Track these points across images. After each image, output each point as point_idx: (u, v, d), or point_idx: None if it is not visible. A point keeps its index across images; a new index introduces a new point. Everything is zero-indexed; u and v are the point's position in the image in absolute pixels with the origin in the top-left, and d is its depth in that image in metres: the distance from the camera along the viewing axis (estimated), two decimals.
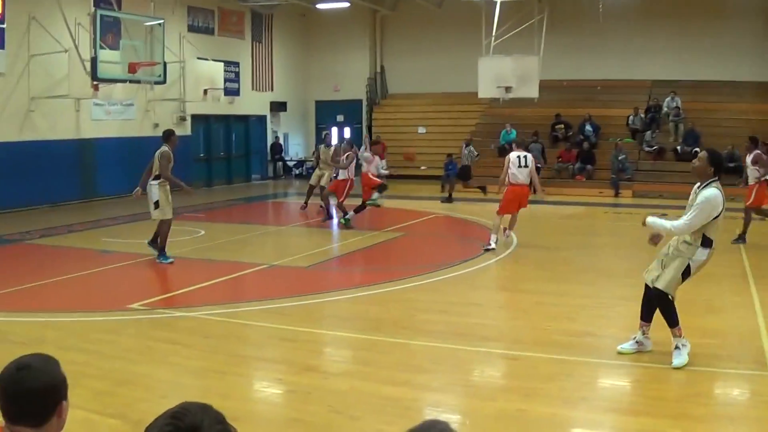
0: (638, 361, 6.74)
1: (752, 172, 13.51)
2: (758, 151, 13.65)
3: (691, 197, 6.59)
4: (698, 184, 6.59)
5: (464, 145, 22.38)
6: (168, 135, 11.51)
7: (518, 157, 12.84)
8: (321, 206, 17.17)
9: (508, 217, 13.23)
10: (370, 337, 7.58)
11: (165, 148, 11.31)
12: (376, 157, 15.96)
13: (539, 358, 6.86)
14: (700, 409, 5.61)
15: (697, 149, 22.72)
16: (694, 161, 6.74)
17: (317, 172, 18.16)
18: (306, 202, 18.37)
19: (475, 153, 22.37)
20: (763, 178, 13.39)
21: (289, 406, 5.89)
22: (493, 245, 12.57)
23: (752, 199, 13.46)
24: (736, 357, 6.85)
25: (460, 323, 8.12)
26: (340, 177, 15.80)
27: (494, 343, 7.42)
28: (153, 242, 11.53)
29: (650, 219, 6.68)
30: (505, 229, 13.36)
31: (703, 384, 6.20)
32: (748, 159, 13.63)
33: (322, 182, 17.51)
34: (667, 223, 6.56)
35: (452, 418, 5.56)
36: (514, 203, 13.00)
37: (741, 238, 13.31)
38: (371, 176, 15.58)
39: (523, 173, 12.84)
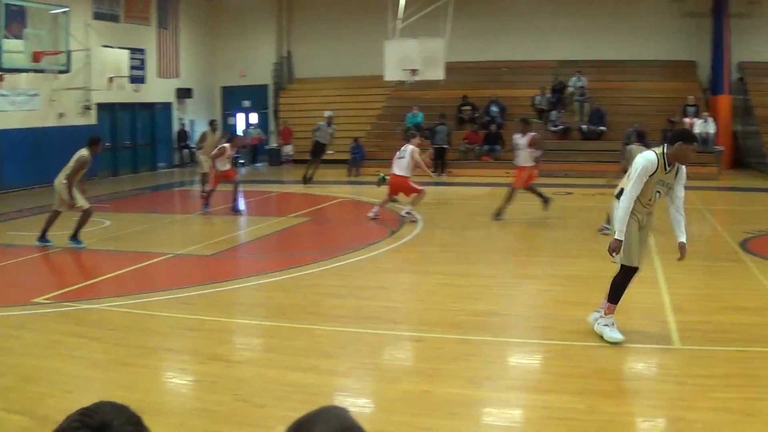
0: (544, 338, 6.82)
1: (527, 154, 13.92)
2: (534, 133, 14.14)
3: None
4: None
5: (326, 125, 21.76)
6: (95, 141, 11.36)
7: (398, 150, 14.04)
8: (203, 192, 16.75)
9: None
10: (276, 323, 7.46)
11: (85, 152, 11.19)
12: (229, 151, 15.43)
13: (444, 339, 6.87)
14: (606, 385, 5.70)
15: (603, 128, 23.46)
16: None
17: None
18: (204, 190, 17.93)
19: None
20: (540, 160, 14.08)
21: (194, 395, 5.78)
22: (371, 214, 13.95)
23: (524, 179, 13.96)
24: (642, 332, 7.03)
25: (366, 307, 8.05)
26: (222, 167, 15.43)
27: (399, 325, 7.38)
28: (74, 238, 11.49)
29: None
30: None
31: (609, 360, 6.31)
32: (521, 140, 14.00)
33: (206, 169, 17.09)
34: None
35: (358, 402, 5.52)
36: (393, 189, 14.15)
37: (499, 215, 13.86)
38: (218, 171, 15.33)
39: (399, 164, 13.81)
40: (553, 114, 24.50)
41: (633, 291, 8.61)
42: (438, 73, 22.36)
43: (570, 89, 25.19)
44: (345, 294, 8.69)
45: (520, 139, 13.99)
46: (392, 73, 22.62)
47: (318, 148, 21.17)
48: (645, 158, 6.42)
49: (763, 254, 10.60)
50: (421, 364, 6.36)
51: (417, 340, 6.94)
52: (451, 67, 23.11)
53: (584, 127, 23.88)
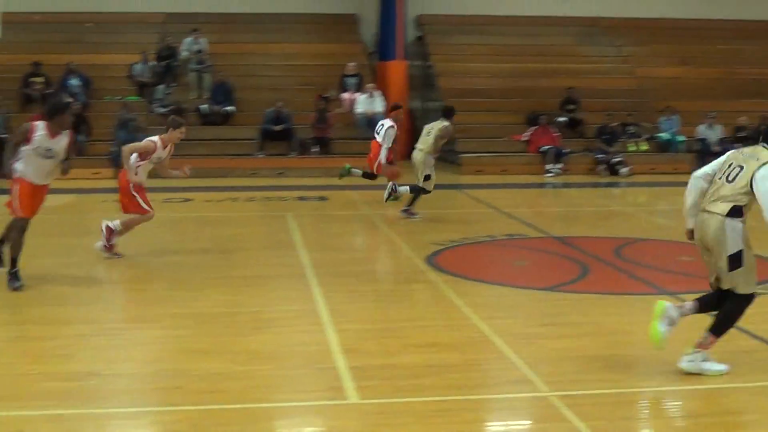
0: (170, 404, 6.61)
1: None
2: None
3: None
4: None
5: None
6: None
7: None
8: None
9: None
10: None
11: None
12: None
13: (24, 417, 6.42)
14: None
15: (231, 108, 23.78)
16: None
17: None
18: None
19: None
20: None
21: None
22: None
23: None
24: (304, 384, 7.16)
25: None
26: None
27: None
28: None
29: None
30: None
31: (265, 424, 6.39)
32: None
33: None
34: None
35: None
36: None
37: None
38: None
39: None
40: (160, 89, 24.42)
41: (287, 330, 8.78)
42: None
43: (184, 54, 25.26)
44: None
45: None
46: None
47: None
48: None
49: (457, 271, 11.33)
50: None
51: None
52: (10, 20, 22.05)
53: (204, 107, 24.09)
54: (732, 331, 8.20)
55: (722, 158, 7.46)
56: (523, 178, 22.60)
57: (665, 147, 24.90)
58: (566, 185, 22.22)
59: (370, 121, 23.10)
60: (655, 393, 7.21)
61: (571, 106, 25.56)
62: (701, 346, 7.43)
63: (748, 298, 7.43)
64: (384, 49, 25.90)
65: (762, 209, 7.04)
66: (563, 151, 23.75)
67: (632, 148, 24.35)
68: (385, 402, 6.66)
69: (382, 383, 7.06)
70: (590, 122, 24.97)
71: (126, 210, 12.21)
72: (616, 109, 25.21)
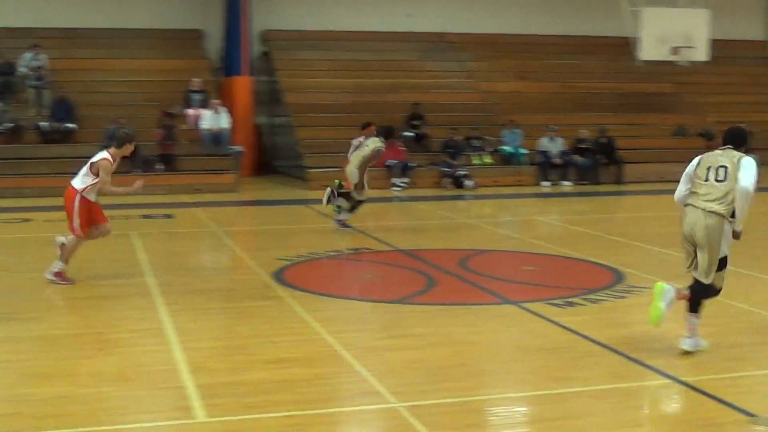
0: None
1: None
2: None
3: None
4: None
5: None
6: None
7: None
8: None
9: None
10: None
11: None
12: None
13: None
14: None
15: (72, 125, 23.27)
16: None
17: None
18: None
19: None
20: None
21: None
22: None
23: None
24: (152, 404, 7.07)
25: None
26: None
27: None
28: None
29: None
30: None
31: None
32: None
33: None
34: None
35: None
36: None
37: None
38: None
39: None
40: None
41: (133, 350, 8.67)
42: None
43: (22, 70, 24.62)
44: None
45: None
46: None
47: None
48: None
49: (305, 286, 11.37)
50: None
51: None
52: None
53: (44, 124, 23.52)
54: (573, 337, 8.49)
55: (694, 163, 8.45)
56: (369, 192, 22.69)
57: (508, 160, 25.44)
58: (413, 199, 22.43)
59: (216, 137, 23.01)
60: (499, 400, 7.37)
61: (417, 121, 25.83)
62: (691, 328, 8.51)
63: (711, 290, 8.58)
64: (229, 64, 25.82)
65: (738, 180, 8.08)
66: (409, 165, 24.03)
67: (476, 161, 24.80)
68: (234, 419, 6.62)
69: (231, 401, 7.02)
70: (435, 136, 25.32)
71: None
72: (460, 123, 25.67)
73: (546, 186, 23.20)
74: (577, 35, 30.43)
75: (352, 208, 16.11)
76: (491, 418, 7.05)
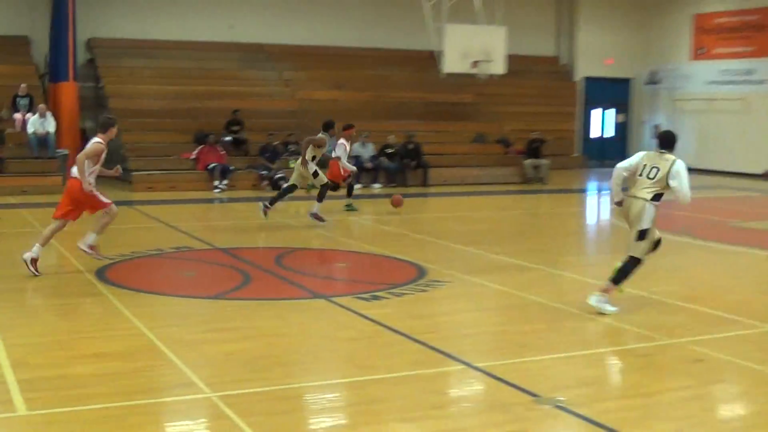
0: None
1: None
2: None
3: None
4: None
5: None
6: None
7: None
8: None
9: None
10: None
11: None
12: None
13: None
14: None
15: None
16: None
17: None
18: None
19: None
20: None
21: None
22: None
23: None
24: None
25: None
26: None
27: None
28: None
29: None
30: None
31: None
32: None
33: None
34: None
35: None
36: None
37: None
38: None
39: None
40: None
41: None
42: None
43: None
44: None
45: None
46: None
47: None
48: None
49: (126, 284, 11.27)
50: None
51: None
52: None
53: None
54: (378, 328, 8.70)
55: (636, 159, 10.08)
56: (191, 194, 22.60)
57: (324, 163, 25.60)
58: (232, 200, 22.30)
59: (42, 141, 22.42)
60: (308, 387, 7.47)
61: (236, 127, 25.72)
62: (605, 291, 9.92)
63: (637, 261, 9.88)
64: (55, 71, 25.09)
65: (678, 191, 9.70)
66: (229, 168, 23.88)
67: (293, 164, 24.75)
68: (53, 412, 6.53)
69: (50, 394, 6.92)
70: (254, 141, 25.24)
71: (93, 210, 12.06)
72: (277, 129, 25.68)
73: (358, 188, 23.50)
74: (388, 48, 30.87)
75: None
76: (300, 404, 7.13)
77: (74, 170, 11.71)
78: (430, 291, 11.39)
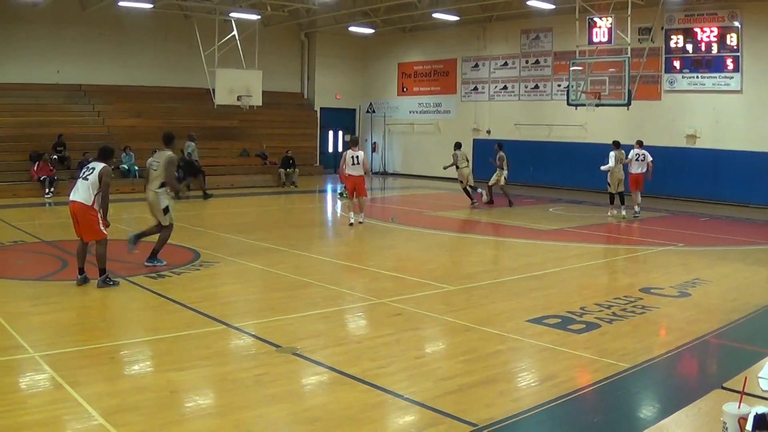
0: None
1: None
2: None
3: None
4: None
5: None
6: (170, 139, 12.20)
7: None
8: None
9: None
10: None
11: (171, 153, 11.70)
12: None
13: None
14: None
15: None
16: None
17: None
18: None
19: None
20: None
21: None
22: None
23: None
24: None
25: None
26: None
27: None
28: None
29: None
30: None
31: None
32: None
33: None
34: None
35: None
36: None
37: None
38: None
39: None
40: None
41: None
42: None
43: None
44: None
45: None
46: None
47: None
48: None
49: None
50: None
51: None
52: None
53: None
54: (162, 300, 8.80)
55: (613, 155, 14.92)
56: (29, 200, 21.69)
57: (126, 174, 25.16)
58: (58, 203, 21.42)
59: None
60: (108, 347, 7.39)
61: (61, 147, 24.84)
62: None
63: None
64: None
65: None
66: (55, 178, 23.09)
67: None
68: None
69: None
70: (74, 158, 24.38)
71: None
72: (91, 148, 24.72)
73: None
74: (174, 86, 30.40)
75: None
76: (102, 360, 7.02)
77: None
78: (202, 270, 11.53)
